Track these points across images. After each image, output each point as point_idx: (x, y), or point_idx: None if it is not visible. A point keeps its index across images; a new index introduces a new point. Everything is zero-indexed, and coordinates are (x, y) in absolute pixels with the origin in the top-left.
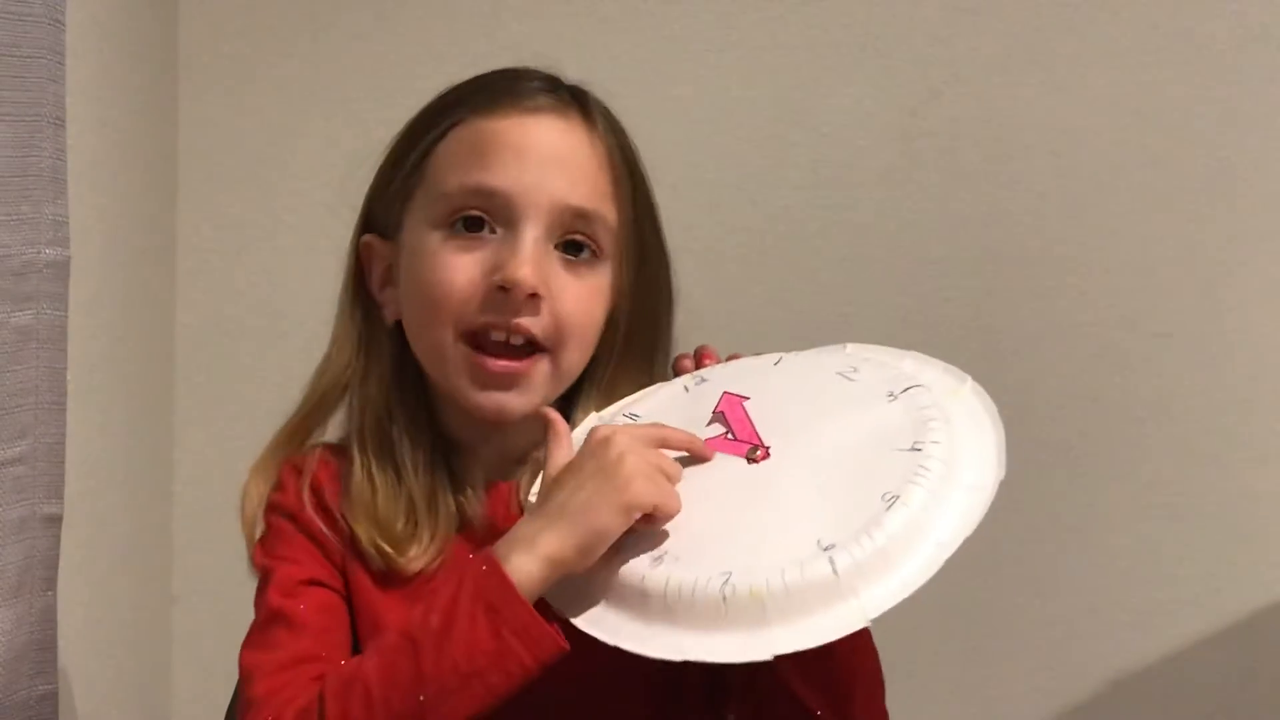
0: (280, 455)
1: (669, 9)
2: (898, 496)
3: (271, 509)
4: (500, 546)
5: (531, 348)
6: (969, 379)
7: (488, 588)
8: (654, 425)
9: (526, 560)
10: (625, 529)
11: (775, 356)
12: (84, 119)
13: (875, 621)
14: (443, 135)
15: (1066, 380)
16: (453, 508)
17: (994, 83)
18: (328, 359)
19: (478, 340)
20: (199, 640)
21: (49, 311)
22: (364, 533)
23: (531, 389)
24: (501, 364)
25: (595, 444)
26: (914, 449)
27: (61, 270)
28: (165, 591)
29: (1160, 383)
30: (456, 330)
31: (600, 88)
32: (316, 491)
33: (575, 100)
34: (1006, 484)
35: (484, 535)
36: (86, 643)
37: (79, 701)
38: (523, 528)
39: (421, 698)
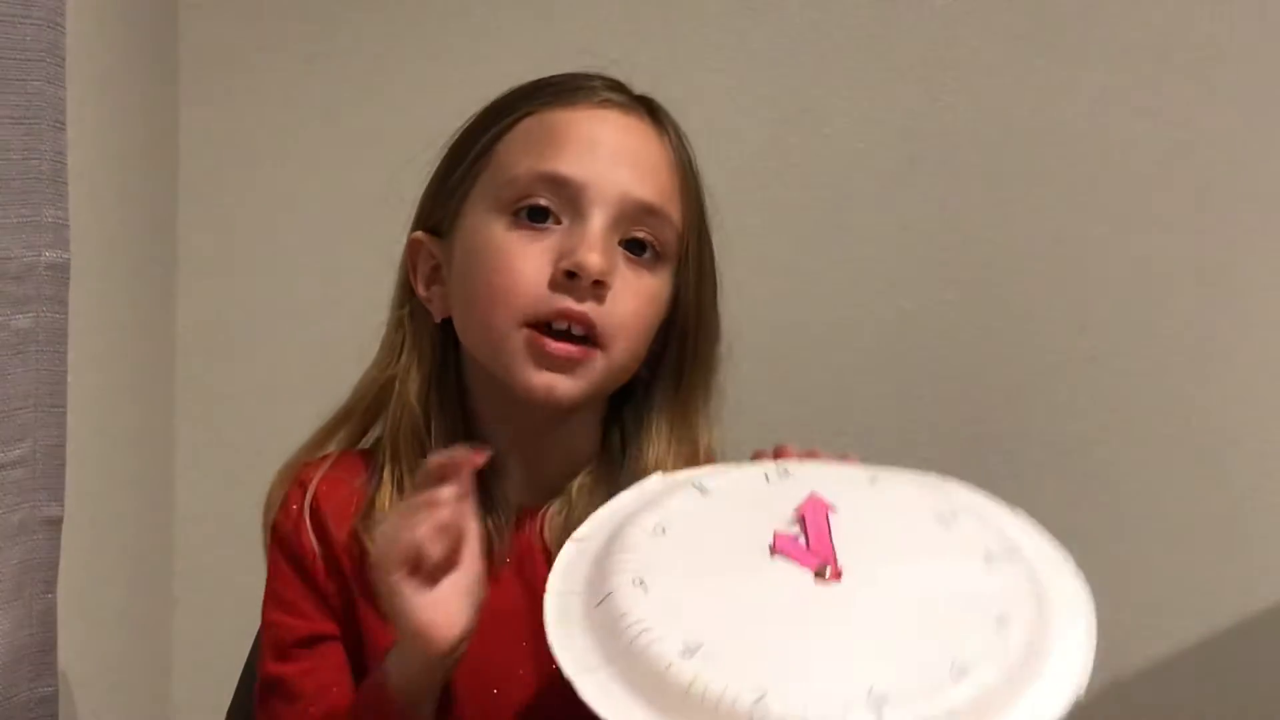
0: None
1: (668, 10)
2: (968, 671)
3: (272, 535)
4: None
5: (588, 340)
6: (1070, 560)
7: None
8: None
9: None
10: (403, 584)
11: (870, 472)
12: (84, 121)
13: None
14: (511, 125)
15: (1065, 382)
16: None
17: (995, 84)
18: (375, 363)
19: (539, 327)
20: (199, 642)
21: (49, 314)
22: None
23: (584, 377)
24: (561, 346)
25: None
26: (999, 622)
27: (61, 273)
28: (166, 594)
29: (1159, 384)
30: (521, 317)
31: None
32: (317, 516)
33: (643, 104)
34: (1005, 486)
35: (502, 571)
36: (87, 645)
37: (79, 703)
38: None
39: None
